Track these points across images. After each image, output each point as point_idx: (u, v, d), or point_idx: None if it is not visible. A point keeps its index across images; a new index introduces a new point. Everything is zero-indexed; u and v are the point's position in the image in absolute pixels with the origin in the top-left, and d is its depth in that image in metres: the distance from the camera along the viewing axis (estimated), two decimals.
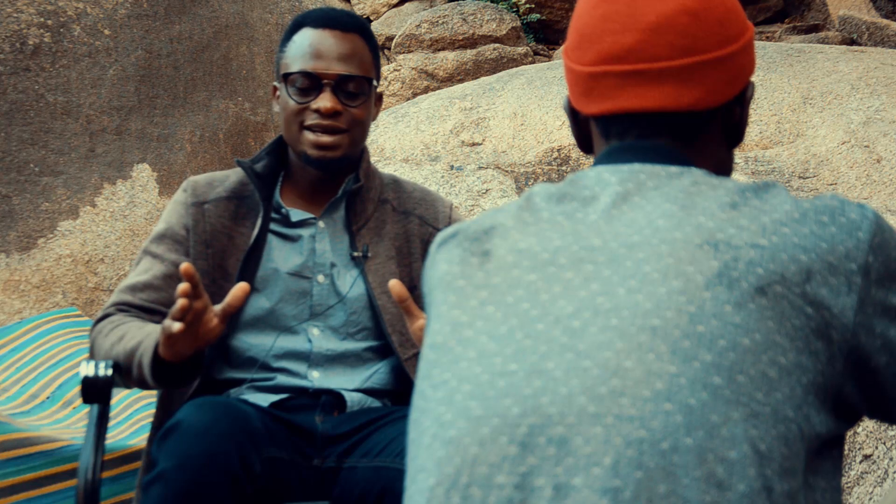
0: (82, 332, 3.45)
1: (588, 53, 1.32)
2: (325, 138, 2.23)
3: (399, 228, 2.33)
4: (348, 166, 2.31)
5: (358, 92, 2.26)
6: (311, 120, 2.24)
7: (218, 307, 2.01)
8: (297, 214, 2.29)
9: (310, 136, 2.24)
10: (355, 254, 2.28)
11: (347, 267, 2.28)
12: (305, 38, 2.28)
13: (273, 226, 2.29)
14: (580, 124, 1.40)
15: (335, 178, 2.31)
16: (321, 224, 2.29)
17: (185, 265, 1.91)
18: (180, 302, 1.92)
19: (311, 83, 2.24)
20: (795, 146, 4.04)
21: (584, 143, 1.40)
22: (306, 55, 2.26)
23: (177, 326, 1.94)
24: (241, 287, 1.98)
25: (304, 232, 2.29)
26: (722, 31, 1.30)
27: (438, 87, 5.83)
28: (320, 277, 2.26)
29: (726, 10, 1.32)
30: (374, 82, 2.30)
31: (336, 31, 2.27)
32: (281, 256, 2.26)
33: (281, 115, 2.30)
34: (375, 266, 2.27)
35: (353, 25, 2.30)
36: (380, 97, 2.35)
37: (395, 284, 1.95)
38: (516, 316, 1.20)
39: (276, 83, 2.34)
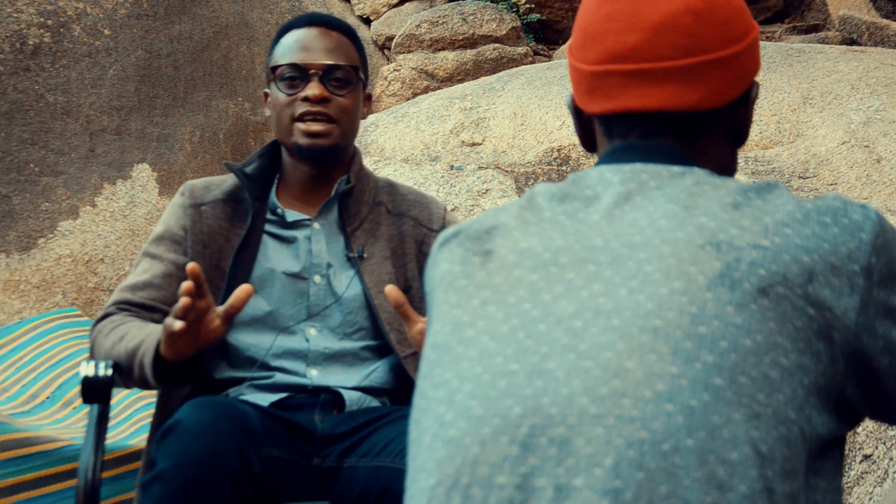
0: (82, 332, 3.45)
1: (592, 52, 1.32)
2: (315, 126, 2.28)
3: (394, 230, 2.34)
4: (340, 164, 2.34)
5: (345, 81, 2.30)
6: (300, 110, 2.28)
7: (220, 308, 2.01)
8: (292, 215, 2.31)
9: (300, 125, 2.28)
10: (351, 254, 2.29)
11: (343, 267, 2.29)
12: (292, 36, 2.35)
13: (270, 227, 2.31)
14: (584, 123, 1.39)
15: (327, 173, 2.34)
16: (316, 225, 2.31)
17: (191, 264, 1.93)
18: (183, 300, 1.92)
19: (298, 74, 2.30)
20: (795, 146, 4.03)
21: (588, 142, 1.40)
22: (293, 49, 2.32)
23: (178, 325, 1.94)
24: (243, 289, 1.99)
25: (300, 233, 2.31)
26: (726, 30, 1.30)
27: (438, 87, 5.83)
28: (317, 278, 2.27)
29: (731, 9, 1.31)
30: (361, 74, 2.34)
31: (321, 28, 2.35)
32: (278, 257, 2.28)
33: (272, 113, 2.35)
34: (371, 266, 2.29)
35: (338, 25, 2.38)
36: (369, 97, 2.41)
37: (391, 290, 1.97)
38: (518, 316, 1.20)
39: (266, 89, 2.39)
